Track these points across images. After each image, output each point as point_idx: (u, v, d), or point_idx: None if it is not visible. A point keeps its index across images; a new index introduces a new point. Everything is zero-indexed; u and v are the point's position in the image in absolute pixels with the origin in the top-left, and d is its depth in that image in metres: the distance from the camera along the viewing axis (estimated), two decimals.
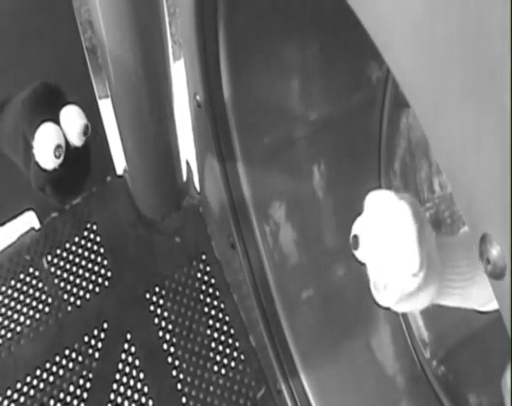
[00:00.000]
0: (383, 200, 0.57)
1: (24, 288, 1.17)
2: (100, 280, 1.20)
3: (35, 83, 0.72)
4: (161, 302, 1.20)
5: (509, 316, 0.37)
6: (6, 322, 1.14)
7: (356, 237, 0.58)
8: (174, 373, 1.16)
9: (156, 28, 0.98)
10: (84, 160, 0.75)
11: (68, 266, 1.20)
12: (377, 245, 0.56)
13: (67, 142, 0.71)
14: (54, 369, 1.12)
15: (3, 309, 1.15)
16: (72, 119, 0.71)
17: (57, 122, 0.70)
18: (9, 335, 1.13)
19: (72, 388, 1.12)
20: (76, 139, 0.71)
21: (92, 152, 0.76)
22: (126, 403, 1.13)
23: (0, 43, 0.98)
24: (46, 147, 0.69)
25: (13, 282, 1.17)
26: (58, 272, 1.19)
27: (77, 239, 1.22)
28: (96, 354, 1.14)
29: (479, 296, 0.63)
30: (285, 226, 1.07)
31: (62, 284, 1.18)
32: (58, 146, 0.69)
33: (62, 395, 1.11)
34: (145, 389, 1.14)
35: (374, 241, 0.57)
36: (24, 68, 1.02)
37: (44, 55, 1.04)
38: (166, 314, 1.19)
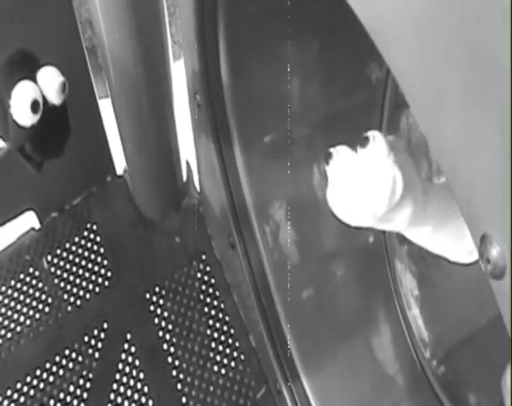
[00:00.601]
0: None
1: (24, 288, 1.17)
2: (100, 280, 1.20)
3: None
4: (161, 302, 1.20)
5: (509, 316, 0.37)
6: (6, 322, 1.14)
7: (330, 153, 0.62)
8: (174, 373, 1.16)
9: (156, 28, 0.98)
10: (63, 119, 0.76)
11: (68, 266, 1.20)
12: (350, 167, 0.60)
13: (45, 101, 0.71)
14: (54, 369, 1.12)
15: (3, 309, 1.15)
16: (49, 77, 0.72)
17: (34, 81, 0.71)
18: (9, 335, 1.14)
19: (72, 388, 1.12)
20: (54, 97, 0.72)
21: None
22: (126, 403, 1.13)
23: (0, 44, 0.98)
24: (22, 103, 0.69)
25: (13, 282, 1.17)
26: (58, 272, 1.19)
27: (77, 239, 1.22)
28: (96, 354, 1.14)
29: (449, 242, 0.66)
30: (285, 226, 1.07)
31: (62, 284, 1.18)
32: (35, 102, 0.69)
33: (62, 395, 1.11)
34: (145, 389, 1.14)
35: (348, 166, 0.61)
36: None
37: (44, 55, 1.03)
38: (166, 314, 1.19)
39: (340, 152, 0.62)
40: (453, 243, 0.67)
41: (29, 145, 0.72)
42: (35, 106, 0.69)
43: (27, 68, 0.71)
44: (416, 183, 0.61)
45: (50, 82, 0.71)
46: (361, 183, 0.59)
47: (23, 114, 0.69)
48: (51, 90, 0.71)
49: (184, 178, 1.27)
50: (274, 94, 0.99)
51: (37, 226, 1.22)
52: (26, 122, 0.70)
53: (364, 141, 0.60)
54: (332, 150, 0.62)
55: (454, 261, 0.73)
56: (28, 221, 1.21)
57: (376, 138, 0.59)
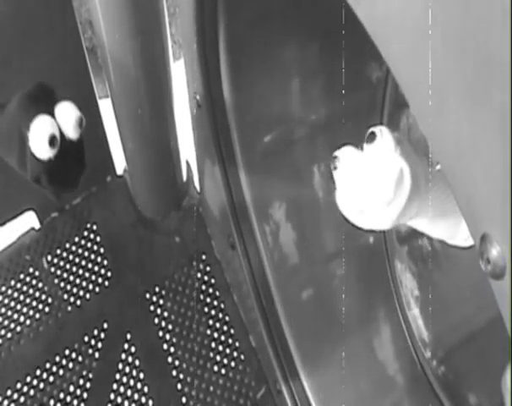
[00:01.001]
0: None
1: (24, 288, 1.17)
2: (100, 280, 1.20)
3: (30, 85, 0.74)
4: (161, 302, 1.20)
5: (509, 316, 0.37)
6: (6, 322, 1.14)
7: (335, 157, 0.62)
8: (174, 373, 1.16)
9: (156, 28, 0.98)
10: (79, 154, 0.77)
11: (68, 266, 1.20)
12: (357, 167, 0.60)
13: (62, 136, 0.73)
14: (54, 369, 1.12)
15: (3, 309, 1.15)
16: (66, 112, 0.73)
17: (51, 115, 0.72)
18: (9, 335, 1.14)
19: (72, 388, 1.12)
20: (71, 132, 0.73)
21: (88, 149, 0.78)
22: (126, 403, 1.13)
23: (0, 43, 0.98)
24: (41, 137, 0.70)
25: (13, 282, 1.17)
26: (58, 272, 1.19)
27: (77, 239, 1.22)
28: (96, 354, 1.14)
29: (447, 227, 0.68)
30: (285, 226, 1.07)
31: (62, 284, 1.18)
32: (53, 137, 0.71)
33: (62, 395, 1.11)
34: (145, 389, 1.14)
35: (355, 166, 0.60)
36: (25, 68, 1.02)
37: (44, 55, 1.04)
38: (166, 314, 1.19)
39: (346, 153, 0.62)
40: (450, 228, 0.68)
41: (45, 177, 0.74)
42: (52, 140, 0.71)
43: (45, 102, 0.73)
44: (421, 175, 0.61)
45: (67, 117, 0.73)
46: (370, 180, 0.59)
47: (40, 148, 0.71)
48: (68, 125, 0.73)
49: (184, 178, 1.27)
50: (274, 94, 0.99)
51: (37, 226, 1.22)
52: (43, 155, 0.71)
53: (371, 137, 0.60)
54: (337, 152, 0.62)
55: (452, 244, 0.74)
56: (28, 221, 1.21)
57: (383, 132, 0.59)
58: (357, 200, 0.60)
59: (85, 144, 0.77)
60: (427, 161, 0.71)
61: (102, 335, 1.16)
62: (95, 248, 1.23)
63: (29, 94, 0.73)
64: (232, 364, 1.18)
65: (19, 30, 0.98)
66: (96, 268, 1.21)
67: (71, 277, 1.19)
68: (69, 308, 1.17)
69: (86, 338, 1.15)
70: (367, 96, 1.05)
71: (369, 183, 0.59)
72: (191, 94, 1.03)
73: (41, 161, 0.71)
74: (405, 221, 0.63)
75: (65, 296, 1.18)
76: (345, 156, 0.62)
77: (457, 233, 0.69)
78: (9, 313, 1.15)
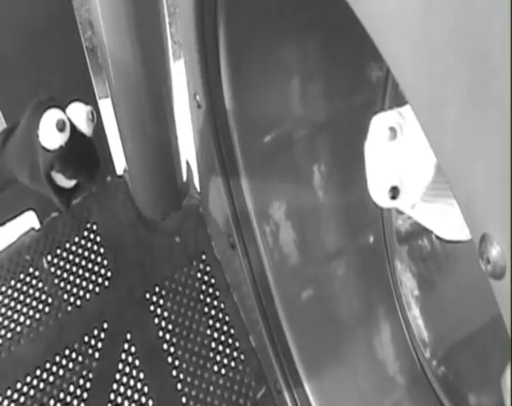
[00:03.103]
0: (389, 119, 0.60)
1: (24, 288, 1.17)
2: (100, 280, 1.20)
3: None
4: (161, 302, 1.20)
5: (509, 316, 0.37)
6: (6, 322, 1.14)
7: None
8: (174, 373, 1.16)
9: (156, 28, 0.98)
10: (92, 149, 0.78)
11: (68, 266, 1.20)
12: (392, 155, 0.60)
13: (74, 128, 0.73)
14: (54, 369, 1.12)
15: (3, 309, 1.15)
16: (77, 107, 0.75)
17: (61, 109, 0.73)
18: (9, 335, 1.13)
19: (72, 388, 1.12)
20: (84, 126, 0.75)
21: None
22: (126, 403, 1.13)
23: (0, 43, 0.98)
24: (49, 125, 0.71)
25: (13, 282, 1.17)
26: (58, 272, 1.19)
27: (77, 239, 1.22)
28: (96, 354, 1.14)
29: (442, 221, 0.66)
30: (285, 226, 1.07)
31: (62, 284, 1.18)
32: (61, 121, 0.71)
33: (62, 395, 1.11)
34: (145, 389, 1.14)
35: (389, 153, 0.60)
36: (25, 67, 1.02)
37: (44, 55, 1.04)
38: (166, 314, 1.19)
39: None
40: (444, 218, 0.68)
41: (58, 164, 0.74)
42: (60, 124, 0.71)
43: (55, 106, 0.74)
44: None
45: (78, 111, 0.74)
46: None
47: (50, 136, 0.71)
48: (79, 119, 0.74)
49: (184, 178, 1.27)
50: (274, 94, 0.99)
51: (37, 226, 1.22)
52: (54, 143, 0.72)
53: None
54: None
55: (461, 240, 0.73)
56: (28, 221, 1.21)
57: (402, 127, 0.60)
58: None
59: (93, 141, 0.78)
60: None
61: (102, 335, 1.16)
62: (95, 248, 1.23)
63: (40, 102, 0.74)
64: (232, 364, 1.18)
65: (19, 31, 0.98)
66: (96, 268, 1.21)
67: (71, 277, 1.19)
68: (69, 308, 1.17)
69: (86, 338, 1.15)
70: (367, 96, 1.04)
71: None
72: (191, 94, 1.03)
73: (53, 151, 0.72)
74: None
75: (65, 296, 1.18)
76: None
77: (449, 223, 0.69)
78: (9, 313, 1.15)
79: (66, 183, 0.77)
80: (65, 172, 0.75)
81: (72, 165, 0.75)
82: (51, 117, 0.71)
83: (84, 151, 0.76)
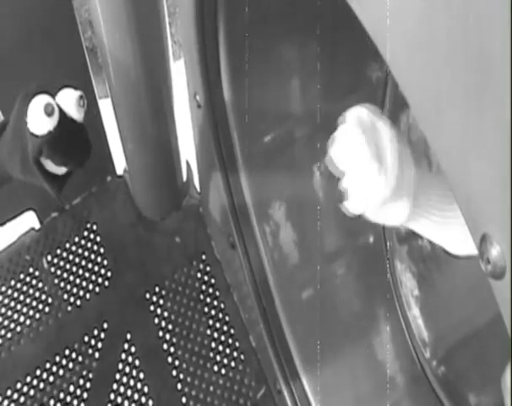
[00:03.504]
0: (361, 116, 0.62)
1: (24, 288, 1.17)
2: (100, 280, 1.20)
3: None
4: (161, 302, 1.20)
5: (509, 316, 0.37)
6: (6, 322, 1.14)
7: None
8: (174, 373, 1.16)
9: (156, 28, 0.98)
10: (83, 134, 0.77)
11: (68, 266, 1.20)
12: (352, 155, 0.60)
13: (64, 114, 0.72)
14: (54, 369, 1.12)
15: (3, 309, 1.15)
16: (66, 92, 0.74)
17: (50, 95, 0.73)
18: (9, 335, 1.14)
19: (72, 388, 1.12)
20: (74, 111, 0.74)
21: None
22: (126, 403, 1.13)
23: (0, 43, 0.98)
24: (36, 111, 0.70)
25: (13, 282, 1.17)
26: (58, 272, 1.19)
27: (77, 239, 1.22)
28: (96, 354, 1.14)
29: (451, 233, 0.66)
30: (285, 226, 1.07)
31: (62, 284, 1.18)
32: (49, 105, 0.70)
33: (62, 395, 1.11)
34: (145, 389, 1.14)
35: (350, 151, 0.61)
36: (25, 67, 1.02)
37: (44, 55, 1.04)
38: (166, 314, 1.19)
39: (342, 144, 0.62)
40: (463, 229, 0.67)
41: (46, 149, 0.72)
42: (49, 109, 0.70)
43: (45, 93, 0.73)
44: (407, 148, 0.61)
45: (67, 96, 0.73)
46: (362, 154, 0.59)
47: (38, 120, 0.70)
48: (69, 104, 0.73)
49: (184, 178, 1.26)
50: (274, 94, 0.99)
51: (37, 226, 1.22)
52: (42, 129, 0.71)
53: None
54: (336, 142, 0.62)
55: (465, 255, 0.72)
56: (28, 221, 1.21)
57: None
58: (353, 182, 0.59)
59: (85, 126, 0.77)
60: (427, 168, 0.71)
61: (102, 335, 1.16)
62: (95, 248, 1.23)
63: (28, 91, 0.73)
64: (232, 364, 1.18)
65: (18, 31, 0.98)
66: (96, 268, 1.21)
67: (71, 277, 1.19)
68: (69, 308, 1.17)
69: (86, 338, 1.15)
70: (367, 96, 1.04)
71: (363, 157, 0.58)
72: (191, 94, 1.03)
73: (41, 137, 0.71)
74: (406, 193, 0.61)
75: (65, 296, 1.18)
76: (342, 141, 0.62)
77: (461, 241, 0.68)
78: (9, 313, 1.15)
79: (57, 169, 0.76)
80: (54, 158, 0.74)
81: (61, 151, 0.74)
82: (39, 102, 0.70)
83: (74, 137, 0.75)
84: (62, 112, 0.72)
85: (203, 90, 0.97)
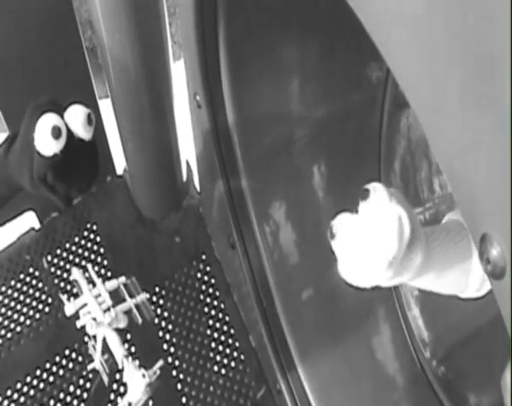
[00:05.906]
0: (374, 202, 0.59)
1: (24, 288, 1.17)
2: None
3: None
4: (161, 302, 1.20)
5: (509, 316, 0.37)
6: (6, 322, 1.14)
7: (331, 227, 0.60)
8: (174, 373, 1.16)
9: (156, 28, 0.98)
10: (91, 155, 0.75)
11: (68, 266, 1.20)
12: (356, 233, 0.58)
13: (71, 134, 0.71)
14: (54, 369, 1.12)
15: (3, 309, 1.15)
16: (74, 110, 0.72)
17: (59, 114, 0.71)
18: (9, 335, 1.13)
19: (72, 388, 1.12)
20: (81, 130, 0.72)
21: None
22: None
23: (0, 43, 0.98)
24: (44, 130, 0.69)
25: (13, 282, 1.17)
26: (58, 272, 1.19)
27: (77, 239, 1.22)
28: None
29: (456, 281, 0.66)
30: (285, 226, 1.07)
31: (62, 284, 1.18)
32: (56, 128, 0.69)
33: (62, 395, 1.11)
34: None
35: (353, 229, 0.59)
36: (25, 67, 1.02)
37: (44, 55, 1.04)
38: (166, 314, 1.19)
39: (342, 220, 0.60)
40: (460, 280, 0.66)
41: (51, 173, 0.71)
42: (56, 132, 0.68)
43: (54, 109, 0.71)
44: (420, 229, 0.60)
45: (75, 114, 0.71)
46: (371, 237, 0.56)
47: (44, 142, 0.69)
48: (76, 123, 0.71)
49: (184, 178, 1.26)
50: (274, 94, 0.99)
51: (37, 226, 1.22)
52: (48, 150, 0.69)
53: (365, 194, 0.59)
54: (333, 222, 0.60)
55: (465, 298, 0.72)
56: (28, 221, 1.21)
57: (376, 188, 0.58)
58: (362, 262, 0.58)
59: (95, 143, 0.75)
60: (427, 168, 0.70)
61: None
62: (95, 248, 1.23)
63: (37, 105, 0.72)
64: (232, 364, 1.18)
65: (18, 31, 0.98)
66: (96, 268, 1.21)
67: (71, 277, 1.19)
68: None
69: (86, 338, 1.15)
70: (367, 96, 1.04)
71: (371, 241, 0.56)
72: (191, 94, 1.03)
73: (47, 158, 0.69)
74: (412, 274, 0.60)
75: (65, 296, 1.18)
76: (342, 222, 0.59)
77: (467, 285, 0.67)
78: (9, 313, 1.15)
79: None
80: (58, 184, 0.73)
81: (65, 177, 0.73)
82: (46, 122, 0.69)
83: (80, 161, 0.74)
84: (69, 131, 0.71)
85: (203, 90, 0.97)
